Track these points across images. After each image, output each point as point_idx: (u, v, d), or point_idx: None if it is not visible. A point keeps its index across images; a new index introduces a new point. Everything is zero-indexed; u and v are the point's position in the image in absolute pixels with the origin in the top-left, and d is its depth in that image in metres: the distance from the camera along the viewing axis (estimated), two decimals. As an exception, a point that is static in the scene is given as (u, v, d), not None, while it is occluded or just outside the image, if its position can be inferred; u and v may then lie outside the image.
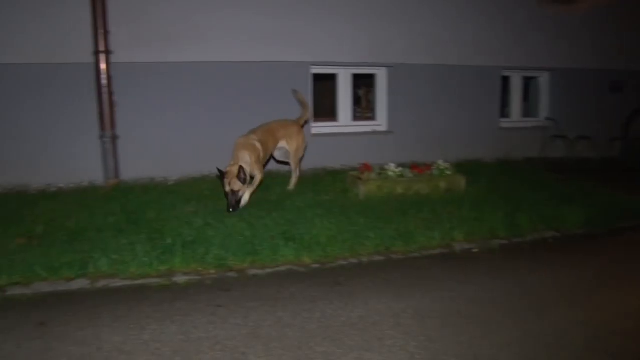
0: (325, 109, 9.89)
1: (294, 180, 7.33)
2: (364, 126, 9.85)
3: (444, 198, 6.90)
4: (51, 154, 7.55)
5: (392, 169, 7.35)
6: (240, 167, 5.97)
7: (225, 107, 8.31)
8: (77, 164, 7.54)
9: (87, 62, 7.54)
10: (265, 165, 6.96)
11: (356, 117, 10.15)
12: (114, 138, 7.53)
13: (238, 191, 6.00)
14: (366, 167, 7.36)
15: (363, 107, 11.61)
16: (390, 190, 7.05)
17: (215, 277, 4.61)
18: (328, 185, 7.54)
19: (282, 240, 5.18)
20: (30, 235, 5.31)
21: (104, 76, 7.47)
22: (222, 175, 6.05)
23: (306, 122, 7.77)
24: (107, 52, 7.48)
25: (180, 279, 4.54)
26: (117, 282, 4.46)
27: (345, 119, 9.70)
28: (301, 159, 7.60)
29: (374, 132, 9.71)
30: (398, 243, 5.40)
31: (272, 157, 7.40)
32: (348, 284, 4.49)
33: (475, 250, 5.49)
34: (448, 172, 7.53)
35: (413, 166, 7.57)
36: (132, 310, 3.95)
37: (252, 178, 6.41)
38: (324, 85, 9.89)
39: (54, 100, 7.58)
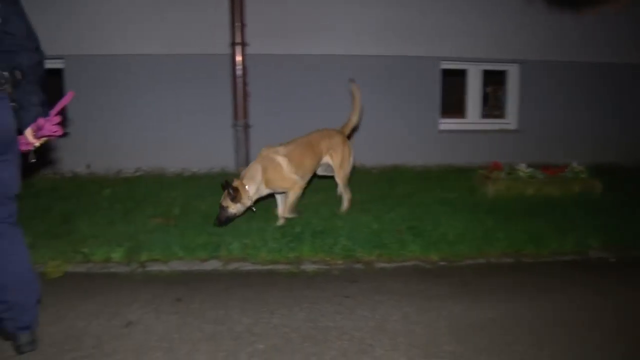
0: (453, 105, 9.70)
1: (345, 202, 5.98)
2: (492, 124, 9.57)
3: (577, 202, 6.53)
4: (187, 139, 7.94)
5: (523, 169, 7.07)
6: (227, 184, 5.19)
7: (351, 101, 8.32)
8: (210, 151, 7.87)
9: (223, 54, 7.85)
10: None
11: (484, 114, 9.87)
12: (246, 127, 7.80)
13: (226, 207, 5.24)
14: (495, 166, 7.14)
15: (490, 104, 11.28)
16: (520, 191, 6.79)
17: (342, 267, 4.65)
18: (454, 182, 7.37)
19: (409, 236, 5.14)
20: (168, 215, 5.60)
21: (239, 67, 7.74)
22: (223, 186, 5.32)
23: (354, 130, 6.40)
24: (243, 44, 7.74)
25: (308, 267, 4.62)
26: (248, 266, 4.63)
27: (473, 115, 9.47)
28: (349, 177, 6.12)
29: (502, 130, 9.40)
30: (529, 246, 5.16)
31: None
32: (476, 285, 4.35)
33: (612, 259, 5.14)
34: (582, 175, 7.12)
35: (544, 167, 7.23)
36: (262, 294, 4.06)
37: (259, 199, 5.57)
38: (452, 80, 9.69)
39: (192, 89, 7.96)
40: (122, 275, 4.50)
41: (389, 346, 3.33)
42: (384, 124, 8.55)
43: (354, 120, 6.15)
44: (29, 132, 3.06)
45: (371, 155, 8.37)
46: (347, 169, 5.97)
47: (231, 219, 5.33)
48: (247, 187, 5.29)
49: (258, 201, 5.55)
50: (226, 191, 5.21)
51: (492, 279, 4.49)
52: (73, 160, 7.92)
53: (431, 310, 3.84)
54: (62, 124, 3.12)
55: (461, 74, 9.47)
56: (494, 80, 10.17)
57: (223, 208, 5.26)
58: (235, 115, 7.80)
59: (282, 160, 5.42)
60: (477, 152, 8.71)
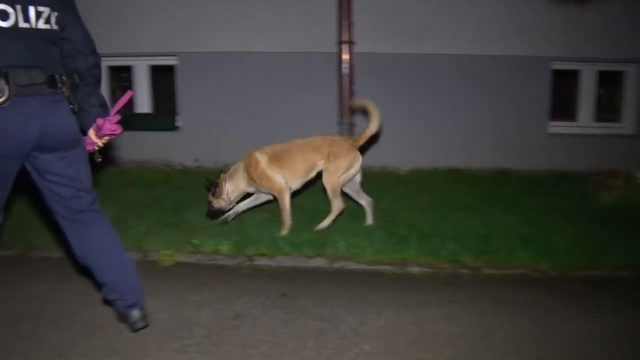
0: (564, 107, 9.27)
1: (331, 213, 5.33)
2: (607, 128, 9.05)
3: None
4: (291, 136, 7.91)
5: (642, 176, 6.69)
6: (209, 181, 5.47)
7: (457, 102, 8.17)
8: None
9: (330, 52, 7.89)
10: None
11: (597, 117, 9.35)
12: (351, 125, 7.79)
13: (210, 202, 5.45)
14: (611, 173, 6.77)
15: (604, 107, 10.68)
16: (639, 200, 6.40)
17: (448, 271, 4.54)
18: (565, 188, 7.04)
19: (518, 242, 4.93)
20: (274, 211, 5.67)
21: (345, 65, 7.76)
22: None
23: (369, 139, 5.58)
24: (350, 43, 7.74)
25: (414, 269, 4.54)
26: (353, 265, 4.61)
27: (586, 119, 9.01)
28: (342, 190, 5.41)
29: (618, 135, 8.89)
30: (649, 260, 4.84)
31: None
32: (590, 298, 4.10)
33: None
34: None
35: (666, 176, 6.80)
36: (368, 295, 4.02)
37: (247, 195, 5.64)
38: (563, 81, 9.25)
39: (298, 87, 8.06)
40: (229, 267, 4.62)
41: (499, 356, 3.22)
42: (490, 126, 8.30)
43: (372, 129, 5.47)
44: (91, 133, 3.21)
45: (477, 158, 8.17)
46: (338, 177, 5.26)
47: (217, 213, 5.51)
48: (226, 183, 5.44)
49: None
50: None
51: (608, 293, 4.23)
52: (183, 153, 8.21)
53: (541, 322, 3.66)
54: (165, 115, 3.22)
55: (573, 75, 9.03)
56: (609, 82, 9.65)
57: (208, 203, 5.49)
58: (341, 114, 7.81)
59: (261, 158, 5.34)
60: (590, 158, 8.27)
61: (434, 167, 7.71)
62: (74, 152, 3.14)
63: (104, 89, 8.56)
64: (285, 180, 5.31)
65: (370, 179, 6.94)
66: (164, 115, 8.61)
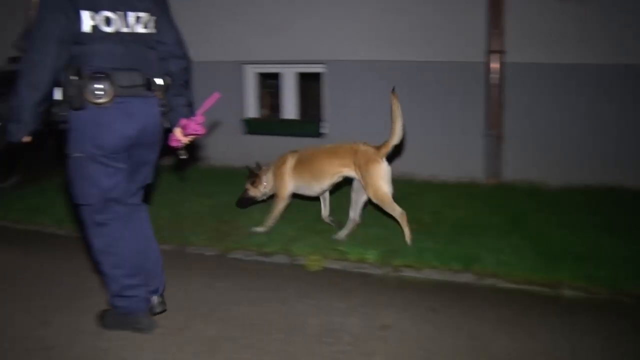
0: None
1: (407, 232, 5.11)
2: None
3: None
4: (435, 146, 7.94)
5: None
6: (250, 170, 5.75)
7: (612, 115, 7.62)
8: (460, 159, 7.79)
9: (477, 61, 7.71)
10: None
11: None
12: (499, 138, 7.57)
13: (247, 190, 5.78)
14: None
15: None
16: None
17: (605, 298, 4.23)
18: None
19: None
20: (419, 222, 5.63)
21: (494, 75, 7.55)
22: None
23: (391, 149, 5.32)
24: (501, 52, 7.54)
25: (567, 292, 4.30)
26: (502, 283, 4.45)
27: None
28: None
29: None
30: None
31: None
32: None
33: None
34: None
35: None
36: (519, 316, 3.90)
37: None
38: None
39: (442, 96, 7.96)
40: (375, 276, 4.65)
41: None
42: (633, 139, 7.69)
43: (394, 140, 5.24)
44: (177, 131, 3.45)
45: (633, 175, 7.63)
46: (384, 188, 5.15)
47: (249, 201, 5.85)
48: (264, 176, 5.69)
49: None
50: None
51: None
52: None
53: None
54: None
55: None
56: None
57: (245, 190, 5.81)
58: (489, 125, 7.62)
59: (290, 159, 5.57)
60: None
61: (584, 184, 7.28)
62: (155, 152, 3.51)
63: (255, 94, 9.00)
64: (297, 189, 5.60)
65: (517, 195, 6.77)
66: (309, 121, 8.84)
